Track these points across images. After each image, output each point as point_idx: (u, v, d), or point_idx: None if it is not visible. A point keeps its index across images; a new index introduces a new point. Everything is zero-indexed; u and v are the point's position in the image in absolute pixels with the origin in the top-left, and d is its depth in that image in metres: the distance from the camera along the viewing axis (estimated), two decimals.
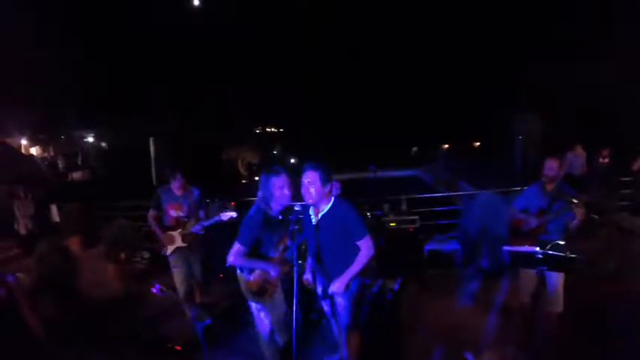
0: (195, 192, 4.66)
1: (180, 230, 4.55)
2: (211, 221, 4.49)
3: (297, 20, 38.68)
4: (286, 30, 38.84)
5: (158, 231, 4.59)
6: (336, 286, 3.00)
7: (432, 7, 36.71)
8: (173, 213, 4.57)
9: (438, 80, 39.41)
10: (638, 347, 3.53)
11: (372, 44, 42.47)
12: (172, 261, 4.63)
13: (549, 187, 3.74)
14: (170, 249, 4.58)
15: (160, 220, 4.62)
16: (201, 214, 4.66)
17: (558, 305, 3.65)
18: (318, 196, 2.98)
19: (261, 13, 37.41)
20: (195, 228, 4.53)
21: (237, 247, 3.03)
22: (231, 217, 4.38)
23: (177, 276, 4.61)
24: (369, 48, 42.32)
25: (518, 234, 3.84)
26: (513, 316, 4.02)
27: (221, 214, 4.41)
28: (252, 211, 3.13)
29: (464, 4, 33.68)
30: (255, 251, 3.09)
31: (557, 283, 3.62)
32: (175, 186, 4.56)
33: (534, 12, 23.33)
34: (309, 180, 2.96)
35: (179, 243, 4.56)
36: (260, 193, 3.11)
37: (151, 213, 4.63)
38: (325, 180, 2.97)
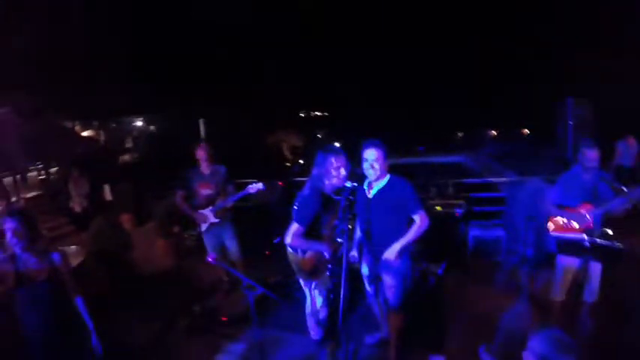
0: (222, 169, 4.78)
1: (211, 207, 4.71)
2: (240, 194, 4.62)
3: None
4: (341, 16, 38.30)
5: (188, 211, 4.75)
6: (390, 253, 3.00)
7: None
8: (203, 191, 4.72)
9: (488, 65, 38.05)
10: None
11: (419, 26, 41.37)
12: (205, 237, 4.84)
13: (587, 176, 3.57)
14: (204, 226, 4.77)
15: (188, 199, 4.78)
16: (230, 188, 4.79)
17: (595, 295, 3.60)
18: (380, 172, 3.05)
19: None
20: (226, 202, 4.68)
21: (294, 227, 3.04)
22: (259, 189, 4.53)
23: (210, 249, 4.80)
24: (415, 30, 41.24)
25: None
26: (552, 305, 3.92)
27: (249, 187, 4.54)
28: (305, 190, 3.12)
29: None
30: (310, 230, 3.07)
31: (598, 272, 3.56)
32: (202, 160, 4.68)
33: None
34: (372, 157, 3.02)
35: (212, 219, 4.73)
36: (315, 171, 3.08)
37: (179, 193, 4.78)
38: (386, 157, 3.06)
